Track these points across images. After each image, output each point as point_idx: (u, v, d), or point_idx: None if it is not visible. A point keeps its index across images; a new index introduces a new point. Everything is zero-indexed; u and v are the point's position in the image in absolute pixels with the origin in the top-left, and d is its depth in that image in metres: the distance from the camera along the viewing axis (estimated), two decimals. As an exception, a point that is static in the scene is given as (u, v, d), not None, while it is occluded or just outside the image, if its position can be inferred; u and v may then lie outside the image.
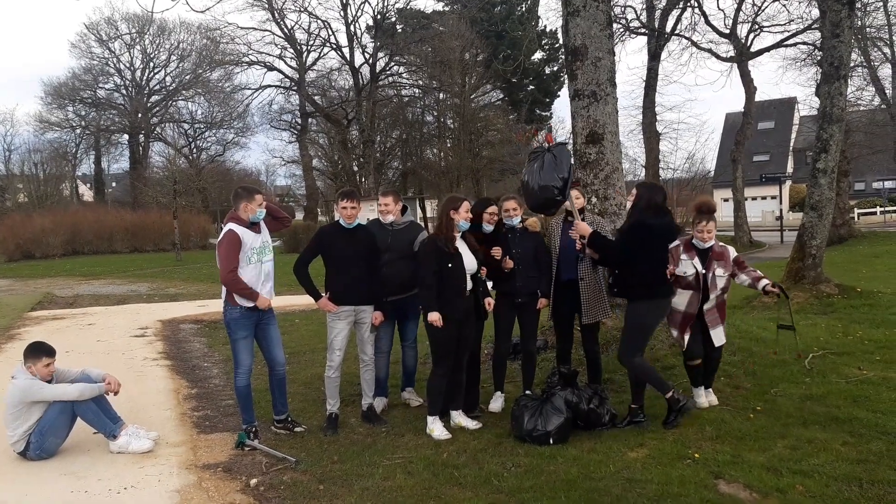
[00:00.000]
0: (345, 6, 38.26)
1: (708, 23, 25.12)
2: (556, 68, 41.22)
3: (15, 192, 43.95)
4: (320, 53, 41.13)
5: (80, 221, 34.20)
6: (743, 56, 25.87)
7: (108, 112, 49.55)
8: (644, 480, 4.09)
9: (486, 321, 5.61)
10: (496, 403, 5.67)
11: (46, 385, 4.95)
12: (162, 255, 31.48)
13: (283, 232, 20.44)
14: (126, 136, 49.94)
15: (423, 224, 20.07)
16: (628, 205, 5.17)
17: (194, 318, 11.82)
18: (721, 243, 5.38)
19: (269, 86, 41.86)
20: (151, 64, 49.86)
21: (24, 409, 4.87)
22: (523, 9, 41.18)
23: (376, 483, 4.25)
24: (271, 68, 40.39)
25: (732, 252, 5.41)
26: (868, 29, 25.29)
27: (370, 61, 39.39)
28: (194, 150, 50.51)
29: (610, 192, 6.91)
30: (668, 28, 25.71)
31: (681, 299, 5.23)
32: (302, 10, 39.03)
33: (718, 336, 5.33)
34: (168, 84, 50.21)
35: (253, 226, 5.09)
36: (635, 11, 24.99)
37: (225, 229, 5.04)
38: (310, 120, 42.43)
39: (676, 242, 5.27)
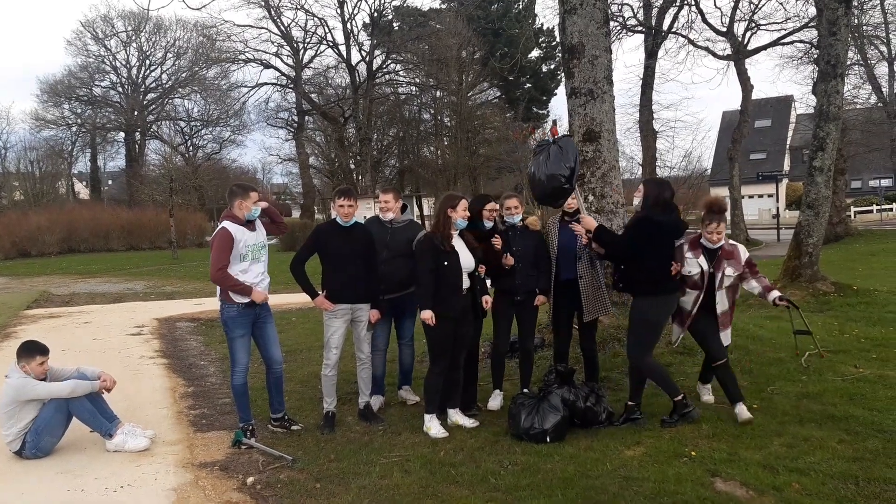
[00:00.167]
0: (341, 4, 38.23)
1: (705, 21, 25.14)
2: (553, 66, 41.28)
3: (11, 189, 43.70)
4: (317, 51, 41.21)
5: (76, 219, 34.04)
6: (740, 54, 25.87)
7: (105, 110, 49.40)
8: (641, 478, 4.09)
9: (485, 319, 5.61)
10: (495, 401, 5.68)
11: (39, 383, 4.95)
12: (158, 253, 31.38)
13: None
14: (122, 134, 49.83)
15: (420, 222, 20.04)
16: (636, 202, 5.11)
17: (191, 317, 11.79)
18: (731, 241, 5.21)
19: (266, 83, 41.90)
20: (147, 61, 49.80)
21: (19, 407, 4.87)
22: (520, 6, 41.20)
23: (373, 481, 4.25)
24: (268, 66, 40.36)
25: (744, 252, 5.20)
26: (865, 27, 25.38)
27: (367, 59, 39.36)
28: (190, 147, 50.43)
29: (606, 190, 6.91)
30: (665, 26, 25.71)
31: (689, 298, 5.16)
32: (298, 7, 38.67)
33: (725, 336, 5.29)
34: (164, 82, 50.11)
35: (248, 223, 5.08)
36: (632, 9, 25.03)
37: (219, 227, 5.04)
38: (306, 118, 42.40)
39: (681, 241, 5.17)
